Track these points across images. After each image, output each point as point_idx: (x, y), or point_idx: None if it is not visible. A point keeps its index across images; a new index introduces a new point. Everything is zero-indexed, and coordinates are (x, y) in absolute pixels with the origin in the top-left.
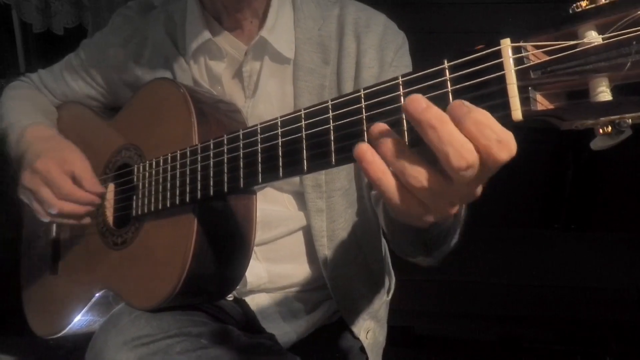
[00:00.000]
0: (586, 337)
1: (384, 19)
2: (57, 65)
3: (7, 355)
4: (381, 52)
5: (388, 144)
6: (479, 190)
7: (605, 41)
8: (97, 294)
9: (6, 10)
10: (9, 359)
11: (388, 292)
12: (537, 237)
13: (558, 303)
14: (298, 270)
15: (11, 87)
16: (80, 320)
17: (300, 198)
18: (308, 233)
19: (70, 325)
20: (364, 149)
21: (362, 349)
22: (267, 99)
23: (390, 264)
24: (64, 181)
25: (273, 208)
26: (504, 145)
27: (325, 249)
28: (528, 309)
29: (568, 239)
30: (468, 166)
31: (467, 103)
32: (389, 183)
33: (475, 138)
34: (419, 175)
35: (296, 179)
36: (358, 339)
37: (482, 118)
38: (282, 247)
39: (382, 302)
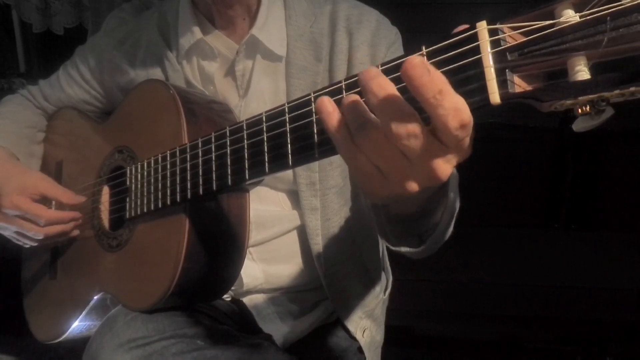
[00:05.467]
0: (586, 337)
1: (377, 15)
2: (55, 73)
3: (7, 355)
4: (373, 48)
5: (352, 106)
6: (440, 171)
7: (582, 19)
8: (94, 297)
9: (6, 10)
10: (9, 359)
11: (385, 291)
12: (537, 237)
13: (558, 303)
14: (294, 271)
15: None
16: (79, 324)
17: (295, 197)
18: (303, 232)
19: (70, 329)
20: (325, 101)
21: (360, 349)
22: (260, 97)
23: (387, 263)
24: (38, 210)
25: (267, 208)
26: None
27: (320, 248)
28: (528, 309)
29: (568, 239)
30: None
31: None
32: (345, 136)
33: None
34: (369, 134)
35: (290, 176)
36: (355, 339)
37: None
38: (278, 247)
39: (378, 301)
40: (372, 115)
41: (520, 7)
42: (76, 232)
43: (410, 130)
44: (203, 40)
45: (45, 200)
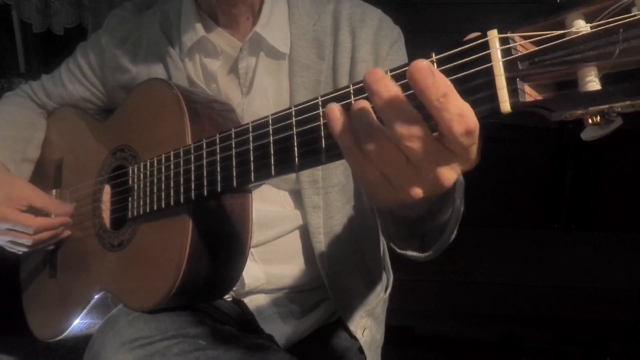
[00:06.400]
0: (586, 337)
1: (379, 14)
2: (58, 69)
3: (7, 355)
4: (376, 46)
5: (359, 113)
6: (445, 178)
7: (593, 30)
8: (95, 296)
9: (6, 10)
10: (9, 359)
11: (385, 290)
12: (537, 237)
13: (558, 303)
14: (295, 271)
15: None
16: (79, 323)
17: (297, 196)
18: (305, 232)
19: (70, 328)
20: (334, 107)
21: (361, 350)
22: (263, 95)
23: (388, 262)
24: (26, 220)
25: (269, 208)
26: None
27: (322, 246)
28: (528, 309)
29: (568, 239)
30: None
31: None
32: (352, 143)
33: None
34: (375, 139)
35: (292, 175)
36: (356, 339)
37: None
38: (279, 247)
39: (379, 300)
40: (379, 123)
41: (531, 15)
42: (67, 233)
43: (413, 132)
44: (206, 37)
45: (34, 210)
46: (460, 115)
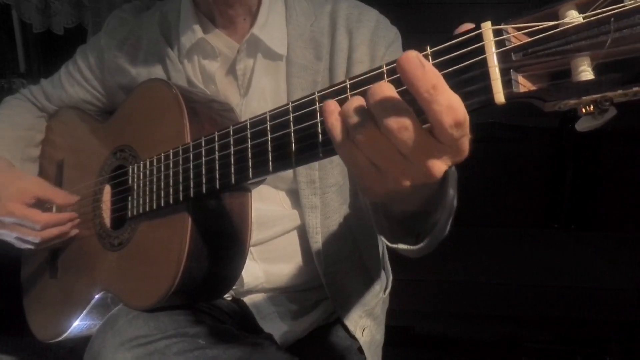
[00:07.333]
0: (586, 337)
1: (377, 15)
2: (58, 72)
3: (7, 355)
4: (373, 47)
5: (351, 104)
6: (435, 170)
7: (585, 20)
8: (96, 296)
9: (6, 10)
10: (9, 359)
11: (385, 290)
12: (537, 237)
13: (558, 303)
14: (294, 270)
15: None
16: (80, 324)
17: (295, 195)
18: (303, 232)
19: (70, 329)
20: (329, 101)
21: (360, 349)
22: (261, 96)
23: (387, 262)
24: (33, 215)
25: (268, 208)
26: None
27: (320, 246)
28: (528, 309)
29: (568, 239)
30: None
31: None
32: (344, 134)
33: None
34: (365, 130)
35: (290, 175)
36: (355, 339)
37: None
38: (278, 246)
39: (378, 300)
40: (370, 113)
41: (524, 8)
42: (75, 232)
43: (403, 124)
44: (204, 39)
45: (41, 204)
46: (450, 107)
